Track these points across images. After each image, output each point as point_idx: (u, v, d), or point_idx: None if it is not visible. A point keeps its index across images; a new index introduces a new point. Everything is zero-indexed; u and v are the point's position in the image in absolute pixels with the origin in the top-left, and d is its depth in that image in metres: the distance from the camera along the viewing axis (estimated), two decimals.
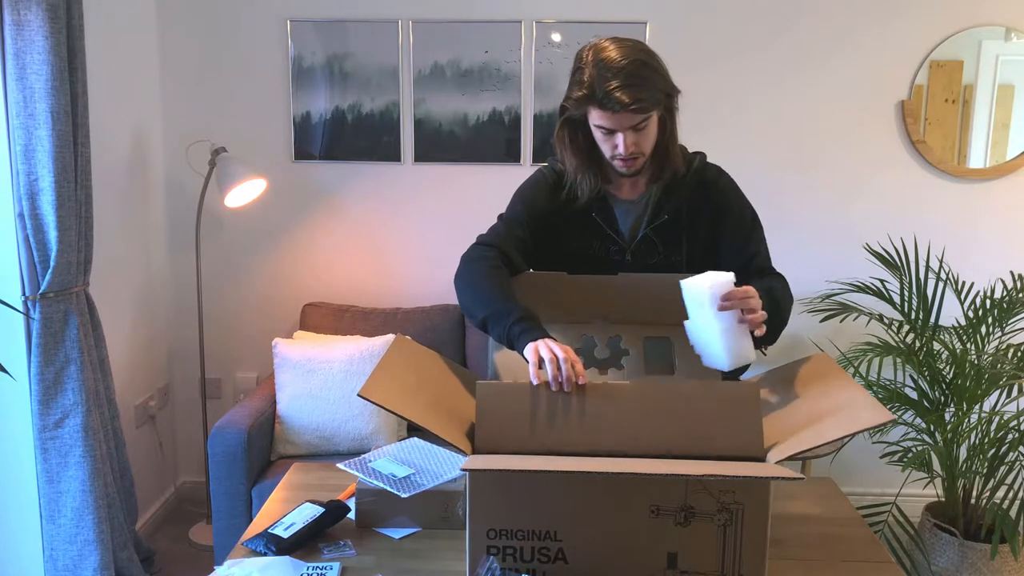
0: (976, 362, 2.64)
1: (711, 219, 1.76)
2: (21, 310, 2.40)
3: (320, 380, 2.80)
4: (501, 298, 1.59)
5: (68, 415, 2.44)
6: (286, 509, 1.60)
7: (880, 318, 2.85)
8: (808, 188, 3.22)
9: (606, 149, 1.67)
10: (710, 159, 1.83)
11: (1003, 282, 2.83)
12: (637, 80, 1.56)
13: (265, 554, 1.42)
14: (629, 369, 1.66)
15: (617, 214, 1.77)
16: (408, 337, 1.66)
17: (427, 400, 1.48)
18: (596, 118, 1.62)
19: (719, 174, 1.80)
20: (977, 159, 3.14)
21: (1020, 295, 2.66)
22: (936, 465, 2.86)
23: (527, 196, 1.81)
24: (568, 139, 1.71)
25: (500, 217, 1.82)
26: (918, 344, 2.72)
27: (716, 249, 1.77)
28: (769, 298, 1.59)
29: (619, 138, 1.62)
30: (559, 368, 1.37)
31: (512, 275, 1.72)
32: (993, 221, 3.20)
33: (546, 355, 1.39)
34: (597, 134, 1.66)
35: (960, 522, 2.69)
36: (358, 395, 1.36)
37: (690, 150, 1.81)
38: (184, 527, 3.23)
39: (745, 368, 2.14)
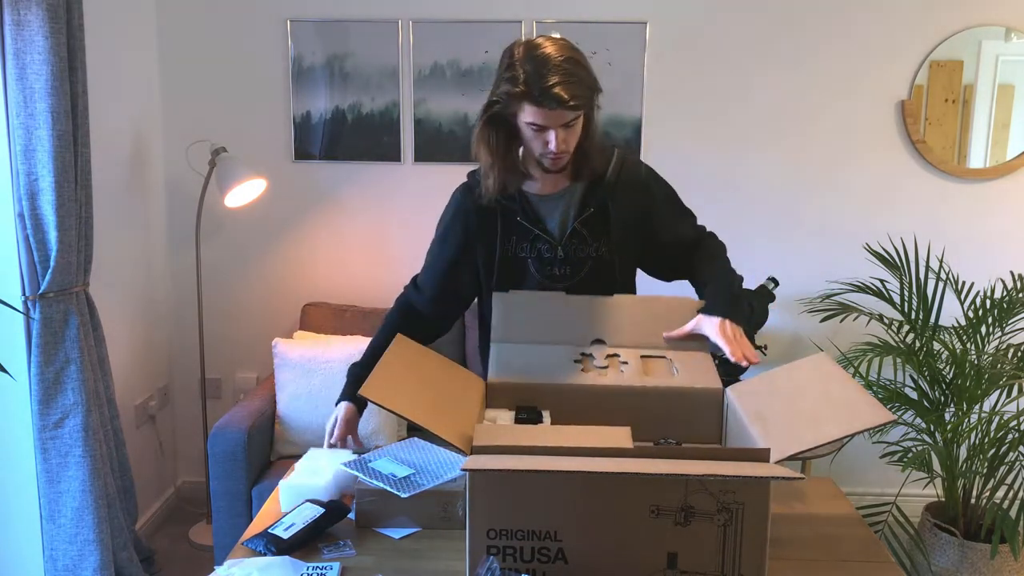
0: (976, 362, 2.64)
1: (640, 211, 1.82)
2: (21, 310, 2.40)
3: (320, 380, 2.80)
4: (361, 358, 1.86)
5: (68, 415, 2.44)
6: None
7: (880, 318, 2.85)
8: (808, 188, 3.22)
9: (536, 146, 1.68)
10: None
11: (1003, 282, 2.83)
12: (573, 78, 1.59)
13: (265, 554, 1.42)
14: (628, 374, 1.67)
15: (542, 213, 1.80)
16: (408, 337, 1.66)
17: (427, 400, 1.48)
18: (529, 115, 1.63)
19: (638, 165, 1.86)
20: (977, 159, 3.14)
21: (1020, 295, 2.66)
22: (936, 465, 2.86)
23: (444, 229, 1.89)
24: (490, 137, 1.72)
25: (427, 253, 1.92)
26: (918, 344, 2.72)
27: (653, 238, 1.84)
28: (737, 296, 1.76)
29: (551, 135, 1.64)
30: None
31: (420, 310, 1.90)
32: (993, 221, 3.20)
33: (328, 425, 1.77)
34: (527, 131, 1.67)
35: (960, 522, 2.69)
36: (358, 394, 1.36)
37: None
38: (184, 527, 3.23)
39: (745, 368, 2.14)
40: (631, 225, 1.81)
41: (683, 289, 1.89)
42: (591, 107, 1.68)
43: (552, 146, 1.65)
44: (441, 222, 1.89)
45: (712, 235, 1.91)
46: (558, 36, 1.67)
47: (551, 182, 1.79)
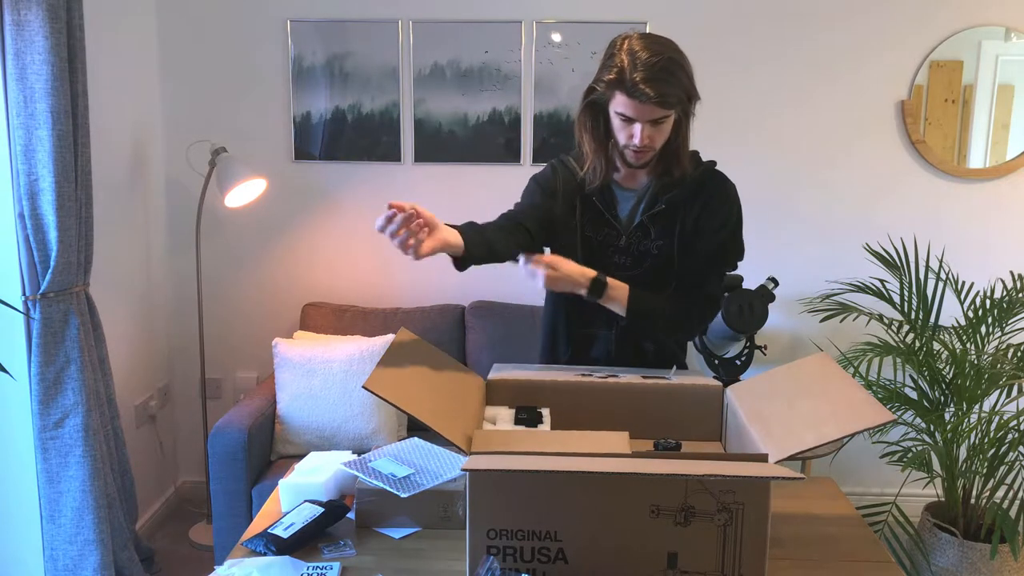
0: (976, 362, 2.64)
1: (698, 212, 1.81)
2: (21, 310, 2.40)
3: (320, 380, 2.80)
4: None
5: (68, 415, 2.44)
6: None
7: (880, 318, 2.85)
8: (808, 188, 3.22)
9: (622, 137, 1.71)
10: (708, 158, 1.85)
11: (1003, 282, 2.83)
12: (665, 75, 1.61)
13: (265, 554, 1.42)
14: (627, 374, 1.67)
15: (618, 200, 1.83)
16: (409, 332, 1.66)
17: (430, 397, 1.49)
18: (619, 104, 1.67)
19: (727, 181, 1.85)
20: (977, 159, 3.14)
21: (1020, 295, 2.66)
22: (936, 465, 2.87)
23: (537, 182, 1.89)
24: (589, 123, 1.76)
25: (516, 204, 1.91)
26: (918, 344, 2.72)
27: (689, 239, 1.81)
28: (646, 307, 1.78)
29: (636, 128, 1.67)
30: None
31: (525, 235, 1.80)
32: (993, 221, 3.20)
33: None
34: (616, 121, 1.70)
35: (960, 522, 2.69)
36: (363, 387, 1.37)
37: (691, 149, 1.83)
38: (184, 527, 3.23)
39: (744, 368, 2.14)
40: (688, 225, 1.81)
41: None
42: (684, 110, 1.70)
43: (636, 140, 1.67)
44: (535, 178, 1.91)
45: (708, 300, 1.84)
46: (664, 37, 1.68)
47: (634, 176, 1.82)
